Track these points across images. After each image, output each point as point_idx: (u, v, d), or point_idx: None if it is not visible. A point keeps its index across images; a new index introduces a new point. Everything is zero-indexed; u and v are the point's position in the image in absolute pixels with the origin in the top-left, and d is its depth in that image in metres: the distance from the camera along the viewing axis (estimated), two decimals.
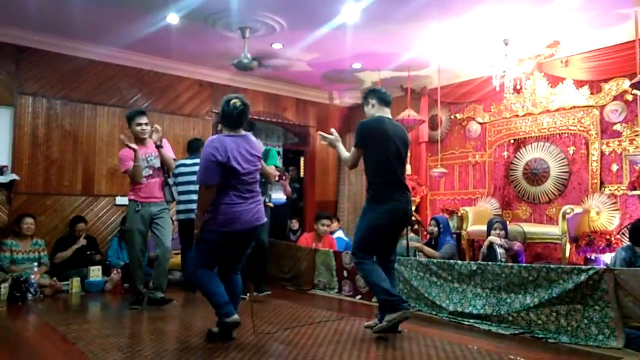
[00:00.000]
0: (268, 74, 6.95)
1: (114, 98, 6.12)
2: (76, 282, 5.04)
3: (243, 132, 3.13)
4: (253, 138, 3.21)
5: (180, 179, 5.06)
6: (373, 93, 3.56)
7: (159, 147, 4.25)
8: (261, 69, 6.47)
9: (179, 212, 5.11)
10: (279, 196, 5.57)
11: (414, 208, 6.34)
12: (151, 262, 5.77)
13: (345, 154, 3.60)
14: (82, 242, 5.38)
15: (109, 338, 3.22)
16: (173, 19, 5.05)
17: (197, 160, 5.37)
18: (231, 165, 2.96)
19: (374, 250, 3.43)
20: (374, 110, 3.52)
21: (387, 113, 3.51)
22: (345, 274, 4.99)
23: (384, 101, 3.52)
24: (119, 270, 5.35)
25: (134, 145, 4.19)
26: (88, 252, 5.40)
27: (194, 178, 5.83)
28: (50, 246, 5.38)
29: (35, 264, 4.99)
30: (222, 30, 5.35)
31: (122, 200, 6.05)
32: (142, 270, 4.33)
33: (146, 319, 3.89)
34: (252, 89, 7.25)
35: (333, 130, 3.71)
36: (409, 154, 3.54)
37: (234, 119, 3.05)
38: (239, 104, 3.04)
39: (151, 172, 4.28)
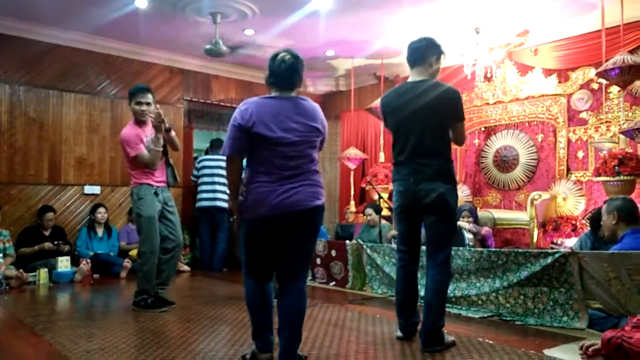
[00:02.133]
0: (240, 61, 6.86)
1: (81, 84, 5.96)
2: (43, 273, 4.92)
3: (293, 94, 2.42)
4: (310, 103, 2.45)
5: (203, 172, 5.99)
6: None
7: (167, 131, 3.77)
8: (233, 56, 6.38)
9: (201, 200, 5.50)
10: None
11: (386, 195, 6.39)
12: (123, 253, 5.72)
13: None
14: (47, 245, 5.21)
15: (77, 329, 3.17)
16: (141, 2, 4.92)
17: (219, 156, 5.81)
18: (256, 131, 2.26)
19: (402, 239, 2.94)
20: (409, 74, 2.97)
21: (415, 74, 2.90)
22: (319, 261, 5.01)
23: (410, 60, 2.93)
24: (88, 261, 5.26)
25: (167, 124, 3.70)
26: (55, 242, 5.27)
27: (217, 171, 6.25)
28: (15, 236, 5.23)
29: (0, 255, 4.84)
30: (193, 15, 5.25)
31: (90, 189, 5.94)
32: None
33: (116, 309, 3.83)
34: (224, 76, 7.15)
35: None
36: (454, 119, 2.85)
37: (281, 75, 2.37)
38: (287, 57, 2.37)
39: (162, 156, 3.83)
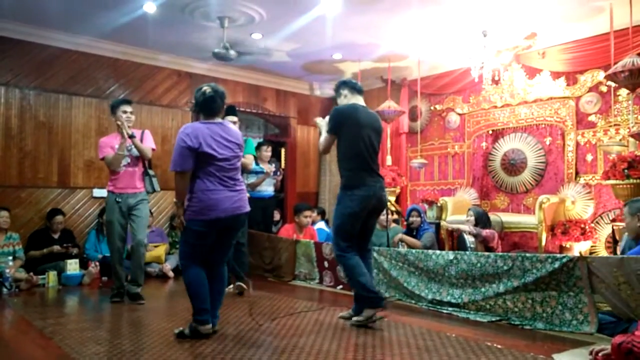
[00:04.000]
0: (247, 64, 6.89)
1: (90, 88, 6.00)
2: (52, 275, 4.95)
3: (219, 119, 3.10)
4: (231, 125, 3.17)
5: None
6: (344, 84, 3.62)
7: (130, 137, 4.15)
8: (240, 59, 6.41)
9: None
10: (268, 189, 5.58)
11: (393, 198, 6.39)
12: (128, 256, 5.74)
13: (321, 139, 3.60)
14: (56, 248, 5.25)
15: (86, 331, 3.19)
16: (150, 7, 4.96)
17: None
18: (204, 151, 2.92)
19: (353, 238, 3.42)
20: (346, 100, 3.56)
21: (360, 101, 3.56)
22: (326, 264, 5.00)
23: (356, 89, 3.58)
24: (97, 263, 5.29)
25: (130, 131, 4.14)
26: (64, 245, 5.31)
27: None
28: (25, 239, 5.28)
29: (10, 257, 4.88)
30: (201, 20, 5.28)
31: (99, 192, 5.96)
32: (122, 263, 4.25)
33: (125, 312, 3.85)
34: (232, 79, 7.18)
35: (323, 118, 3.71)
36: (381, 143, 3.62)
37: (204, 105, 3.05)
38: (207, 90, 3.04)
39: (129, 161, 4.21)
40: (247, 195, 3.23)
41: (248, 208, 3.13)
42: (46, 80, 5.71)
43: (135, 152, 4.22)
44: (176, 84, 6.71)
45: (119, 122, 4.15)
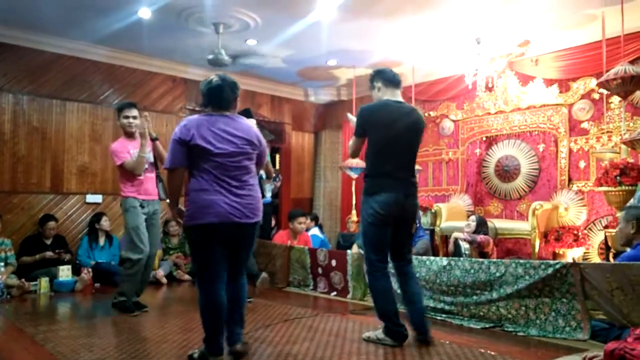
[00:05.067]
0: (242, 70, 6.90)
1: (84, 93, 5.99)
2: (44, 282, 4.91)
3: (228, 113, 2.67)
4: (243, 120, 2.73)
5: None
6: (378, 75, 3.19)
7: (153, 139, 4.01)
8: (235, 65, 6.42)
9: None
10: (267, 195, 5.56)
11: None
12: (122, 262, 5.71)
13: (350, 141, 3.24)
14: (49, 254, 5.21)
15: (78, 339, 3.16)
16: (145, 13, 4.96)
17: None
18: (196, 143, 2.52)
19: (383, 249, 3.07)
20: (380, 93, 3.15)
21: (396, 95, 3.14)
22: (320, 270, 4.99)
23: (392, 82, 3.15)
24: (89, 270, 5.25)
25: (153, 133, 4.02)
26: (57, 251, 5.27)
27: None
28: (17, 245, 5.24)
29: (2, 264, 4.84)
30: (196, 25, 5.29)
31: (92, 198, 5.94)
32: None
33: (117, 319, 3.82)
34: None
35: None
36: (420, 143, 3.19)
37: (210, 96, 2.66)
38: (214, 79, 2.68)
39: (147, 166, 4.01)
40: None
41: (256, 218, 2.66)
42: (40, 86, 5.70)
43: (151, 157, 4.05)
44: (171, 89, 6.70)
45: (143, 125, 3.95)
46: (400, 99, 3.15)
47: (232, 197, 2.55)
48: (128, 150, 3.95)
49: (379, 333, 3.06)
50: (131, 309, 3.89)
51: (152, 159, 4.08)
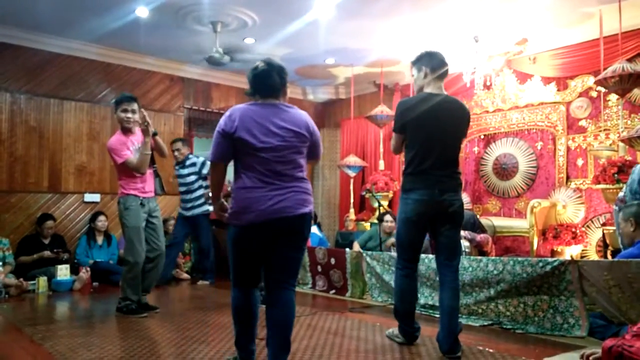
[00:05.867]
0: (240, 69, 6.88)
1: (81, 92, 5.98)
2: (43, 281, 4.91)
3: (277, 101, 2.42)
4: (296, 110, 2.45)
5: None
6: (428, 58, 2.96)
7: (154, 134, 3.86)
8: (233, 64, 6.41)
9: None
10: None
11: (386, 203, 6.38)
12: (120, 261, 5.71)
13: (392, 138, 3.09)
14: (47, 253, 5.20)
15: (76, 338, 3.16)
16: (142, 11, 4.95)
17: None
18: (240, 136, 2.28)
19: (410, 248, 2.98)
20: (425, 80, 2.95)
21: (439, 87, 2.95)
22: (319, 268, 5.00)
23: (438, 72, 2.94)
24: (88, 269, 5.25)
25: (152, 128, 3.79)
26: (55, 251, 5.26)
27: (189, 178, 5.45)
28: (15, 245, 5.23)
29: (0, 263, 4.84)
30: (193, 24, 5.28)
31: (90, 197, 5.94)
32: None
33: (116, 318, 3.82)
34: (224, 84, 7.18)
35: None
36: (464, 137, 3.03)
37: (256, 83, 2.42)
38: (260, 65, 2.42)
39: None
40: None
41: (307, 209, 2.37)
42: (37, 85, 5.68)
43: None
44: (169, 88, 6.69)
45: (146, 120, 3.77)
46: (443, 90, 2.98)
47: (277, 192, 2.30)
48: (128, 147, 3.77)
49: (396, 329, 3.07)
50: (138, 310, 3.80)
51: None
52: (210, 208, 5.27)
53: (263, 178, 2.30)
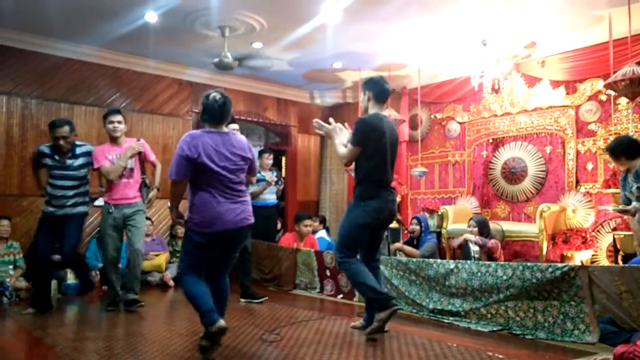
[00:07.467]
0: (248, 73, 6.92)
1: (91, 97, 6.03)
2: (53, 284, 4.93)
3: (225, 129, 2.94)
4: (238, 136, 3.01)
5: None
6: (371, 85, 3.41)
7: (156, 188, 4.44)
8: (241, 68, 6.44)
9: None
10: (271, 197, 5.55)
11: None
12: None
13: (342, 149, 3.37)
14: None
15: (86, 341, 3.18)
16: (151, 17, 4.99)
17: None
18: (202, 162, 2.77)
19: (357, 248, 3.42)
20: (369, 103, 3.41)
21: (380, 109, 3.43)
22: (328, 273, 4.99)
23: (381, 99, 3.42)
24: (97, 272, 5.28)
25: (140, 141, 4.38)
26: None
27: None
28: (26, 248, 5.27)
29: (11, 266, 4.88)
30: (201, 29, 5.31)
31: (100, 201, 5.95)
32: (117, 272, 4.34)
33: (124, 321, 3.84)
34: (232, 88, 7.20)
35: (331, 120, 3.52)
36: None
37: (214, 113, 2.87)
38: (218, 97, 2.88)
39: (124, 172, 4.25)
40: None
41: (252, 220, 2.99)
42: (48, 90, 5.74)
43: (131, 164, 4.29)
44: (177, 92, 6.73)
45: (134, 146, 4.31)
46: (384, 111, 3.53)
47: (235, 205, 2.88)
48: (106, 157, 4.22)
49: (374, 321, 3.20)
50: (114, 303, 4.23)
51: (132, 165, 4.30)
52: None
53: (223, 194, 2.85)
